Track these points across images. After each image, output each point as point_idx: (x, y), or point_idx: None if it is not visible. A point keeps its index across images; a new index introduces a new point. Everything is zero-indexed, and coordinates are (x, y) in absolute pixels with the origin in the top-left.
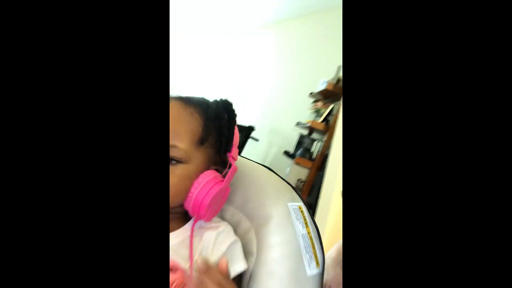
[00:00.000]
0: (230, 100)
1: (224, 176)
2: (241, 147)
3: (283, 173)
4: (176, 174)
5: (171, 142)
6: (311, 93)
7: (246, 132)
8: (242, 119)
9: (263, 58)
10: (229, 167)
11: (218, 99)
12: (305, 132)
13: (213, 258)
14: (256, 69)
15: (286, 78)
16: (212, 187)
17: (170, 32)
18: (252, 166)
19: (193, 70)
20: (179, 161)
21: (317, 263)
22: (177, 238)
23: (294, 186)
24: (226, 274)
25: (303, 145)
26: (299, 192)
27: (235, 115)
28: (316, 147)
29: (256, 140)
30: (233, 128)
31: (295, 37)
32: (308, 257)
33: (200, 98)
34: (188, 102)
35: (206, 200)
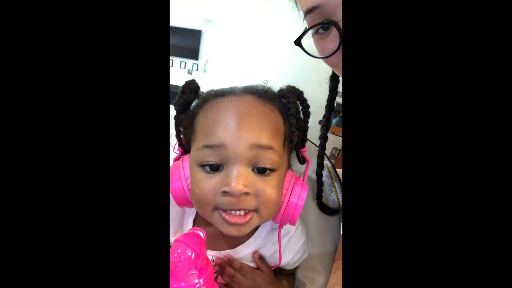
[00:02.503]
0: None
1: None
2: None
3: (318, 142)
4: (272, 186)
5: (269, 141)
6: None
7: None
8: (276, 89)
9: (298, 23)
10: (304, 162)
11: (288, 87)
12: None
13: (284, 258)
14: (291, 36)
15: None
16: (301, 191)
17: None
18: None
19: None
20: (272, 170)
21: (339, 204)
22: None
23: (329, 154)
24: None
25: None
26: (327, 155)
27: (308, 106)
28: None
29: None
30: (307, 121)
31: None
32: (332, 199)
33: (269, 89)
34: (262, 96)
35: (299, 208)
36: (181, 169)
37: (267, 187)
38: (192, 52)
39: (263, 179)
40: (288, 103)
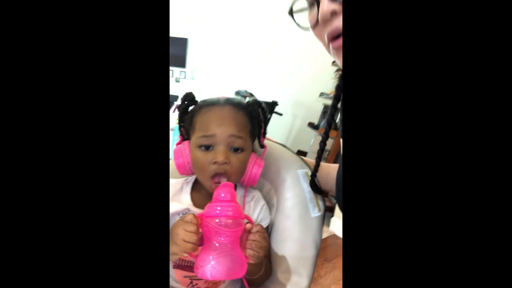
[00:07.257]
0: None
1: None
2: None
3: (308, 144)
4: (240, 159)
5: (240, 133)
6: (333, 62)
7: (270, 107)
8: (264, 93)
9: (283, 28)
10: (263, 147)
11: (252, 100)
12: (329, 102)
13: (254, 215)
14: (276, 40)
15: (308, 48)
16: (259, 165)
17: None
18: (270, 145)
19: (214, 44)
20: (242, 150)
21: (319, 209)
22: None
23: (317, 155)
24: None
25: (327, 115)
26: (306, 162)
27: (266, 111)
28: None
29: (280, 114)
30: (266, 121)
31: None
32: (312, 205)
33: (242, 101)
34: (237, 106)
35: (258, 174)
36: (183, 150)
37: (237, 160)
38: (178, 60)
39: (236, 155)
40: (251, 111)
